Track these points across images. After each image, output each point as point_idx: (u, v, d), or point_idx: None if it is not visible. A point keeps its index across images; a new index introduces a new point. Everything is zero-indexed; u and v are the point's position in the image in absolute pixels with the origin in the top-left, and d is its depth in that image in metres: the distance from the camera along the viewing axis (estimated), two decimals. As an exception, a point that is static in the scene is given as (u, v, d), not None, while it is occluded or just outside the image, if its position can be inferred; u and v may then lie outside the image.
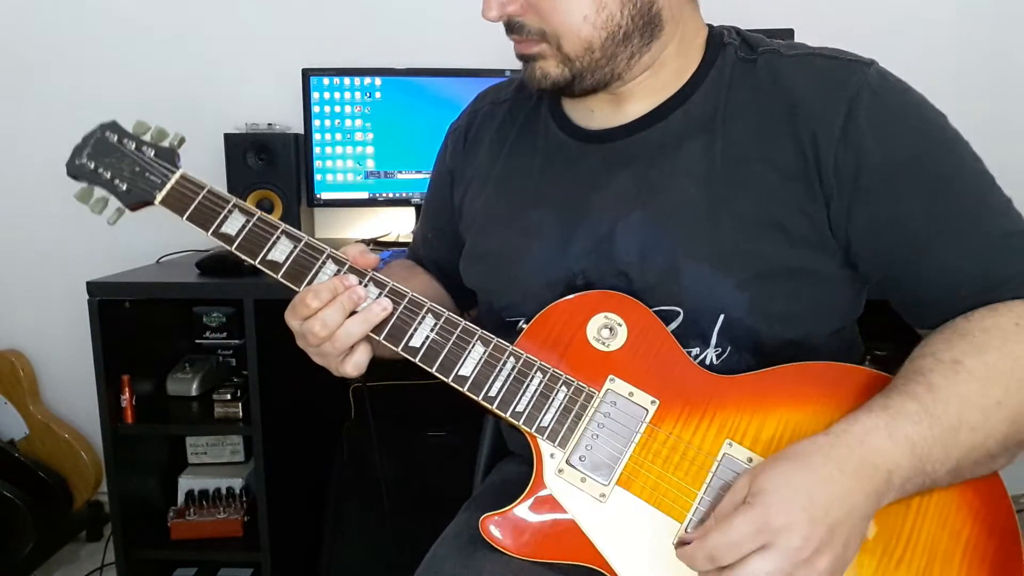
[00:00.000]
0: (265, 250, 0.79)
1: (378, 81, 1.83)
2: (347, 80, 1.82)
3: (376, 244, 1.86)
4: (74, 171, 0.85)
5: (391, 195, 1.87)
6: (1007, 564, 0.67)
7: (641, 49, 0.77)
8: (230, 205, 0.80)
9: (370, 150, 1.85)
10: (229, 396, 1.61)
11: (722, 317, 0.75)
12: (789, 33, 1.67)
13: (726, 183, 0.75)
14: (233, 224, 0.80)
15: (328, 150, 1.85)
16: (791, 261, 0.74)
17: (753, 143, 0.75)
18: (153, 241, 1.79)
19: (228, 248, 0.80)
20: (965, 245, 0.70)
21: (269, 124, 1.83)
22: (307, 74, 1.82)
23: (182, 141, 0.85)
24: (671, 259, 0.76)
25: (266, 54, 2.00)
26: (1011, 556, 0.68)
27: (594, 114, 0.84)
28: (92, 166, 0.84)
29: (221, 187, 1.87)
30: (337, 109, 1.83)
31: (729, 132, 0.76)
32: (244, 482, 1.77)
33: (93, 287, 1.49)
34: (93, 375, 1.50)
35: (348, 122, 1.84)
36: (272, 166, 1.79)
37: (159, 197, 0.81)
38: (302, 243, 0.79)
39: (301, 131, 1.85)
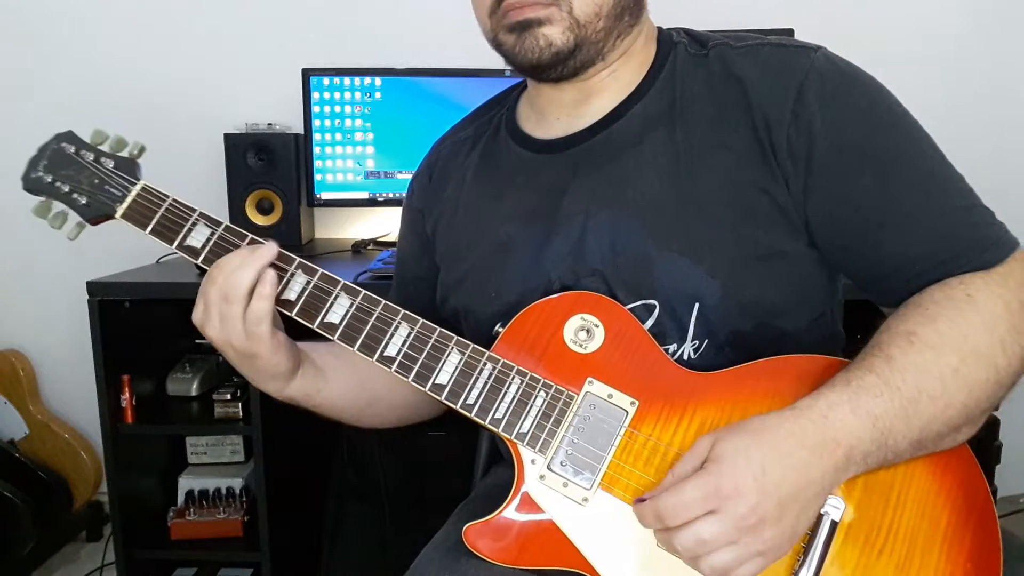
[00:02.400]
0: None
1: (378, 81, 1.83)
2: (347, 80, 1.82)
3: (376, 244, 1.86)
4: (30, 185, 0.82)
5: (391, 195, 1.87)
6: (984, 548, 0.68)
7: (625, 30, 0.79)
8: (194, 216, 0.78)
9: (370, 150, 1.85)
10: (229, 396, 1.61)
11: (697, 306, 0.75)
12: (789, 33, 1.67)
13: (689, 171, 0.76)
14: (198, 236, 0.78)
15: (328, 150, 1.85)
16: (760, 244, 0.74)
17: (711, 130, 0.76)
18: (153, 241, 1.79)
19: (194, 262, 0.78)
20: (917, 222, 0.71)
21: (269, 124, 1.83)
22: (307, 74, 1.82)
23: (142, 150, 0.82)
24: (642, 252, 0.76)
25: (266, 54, 2.00)
26: (988, 540, 0.68)
27: (558, 123, 0.84)
28: (49, 179, 0.81)
29: (221, 187, 1.89)
30: (337, 109, 1.83)
31: (687, 122, 0.77)
32: (244, 482, 1.77)
33: (93, 287, 1.49)
34: (93, 375, 1.50)
35: (348, 122, 1.84)
36: (272, 166, 1.79)
37: (120, 211, 0.79)
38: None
39: (301, 131, 1.85)
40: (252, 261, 0.74)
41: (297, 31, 1.99)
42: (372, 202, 1.88)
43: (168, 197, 0.79)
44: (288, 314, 0.78)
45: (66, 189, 0.81)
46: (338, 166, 1.85)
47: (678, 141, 0.77)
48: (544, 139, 0.85)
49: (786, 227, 0.75)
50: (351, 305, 0.77)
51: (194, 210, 0.78)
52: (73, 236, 0.82)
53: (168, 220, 0.79)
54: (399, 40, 1.97)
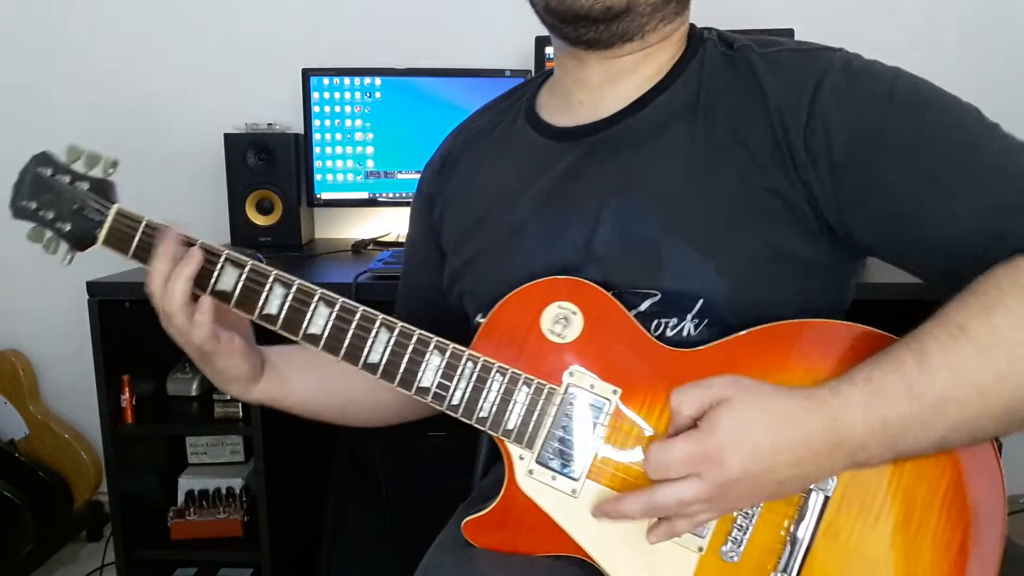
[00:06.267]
0: (213, 280, 0.77)
1: (378, 81, 1.83)
2: (347, 80, 1.82)
3: (376, 244, 1.86)
4: (19, 213, 0.81)
5: (391, 195, 1.87)
6: (987, 512, 0.67)
7: (670, 16, 0.78)
8: None
9: (370, 150, 1.85)
10: (229, 396, 1.61)
11: (700, 302, 0.74)
12: (789, 33, 1.67)
13: (707, 168, 0.75)
14: None
15: (328, 150, 1.85)
16: (772, 246, 0.73)
17: (731, 128, 0.75)
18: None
19: None
20: (956, 201, 0.67)
21: (269, 124, 1.83)
22: (307, 74, 1.82)
23: (115, 165, 0.80)
24: (652, 243, 0.75)
25: (266, 54, 2.00)
26: (992, 496, 0.67)
27: (581, 107, 0.83)
28: (34, 207, 0.80)
29: (221, 187, 1.88)
30: (337, 109, 1.83)
31: (709, 118, 0.76)
32: (244, 482, 1.77)
33: (93, 287, 1.49)
34: (93, 375, 1.50)
35: (348, 122, 1.84)
36: (272, 166, 1.79)
37: (101, 237, 0.79)
38: (247, 269, 0.77)
39: (301, 131, 1.85)
40: (179, 274, 0.75)
41: (297, 31, 1.99)
42: (372, 202, 1.88)
43: (142, 219, 0.78)
44: (272, 329, 0.78)
45: (51, 216, 0.80)
46: (338, 166, 1.85)
47: (698, 136, 0.76)
48: (563, 126, 0.84)
49: (800, 231, 0.73)
50: (330, 315, 0.76)
51: (166, 228, 0.78)
52: (68, 262, 0.82)
53: (145, 243, 0.78)
54: (399, 40, 1.98)
